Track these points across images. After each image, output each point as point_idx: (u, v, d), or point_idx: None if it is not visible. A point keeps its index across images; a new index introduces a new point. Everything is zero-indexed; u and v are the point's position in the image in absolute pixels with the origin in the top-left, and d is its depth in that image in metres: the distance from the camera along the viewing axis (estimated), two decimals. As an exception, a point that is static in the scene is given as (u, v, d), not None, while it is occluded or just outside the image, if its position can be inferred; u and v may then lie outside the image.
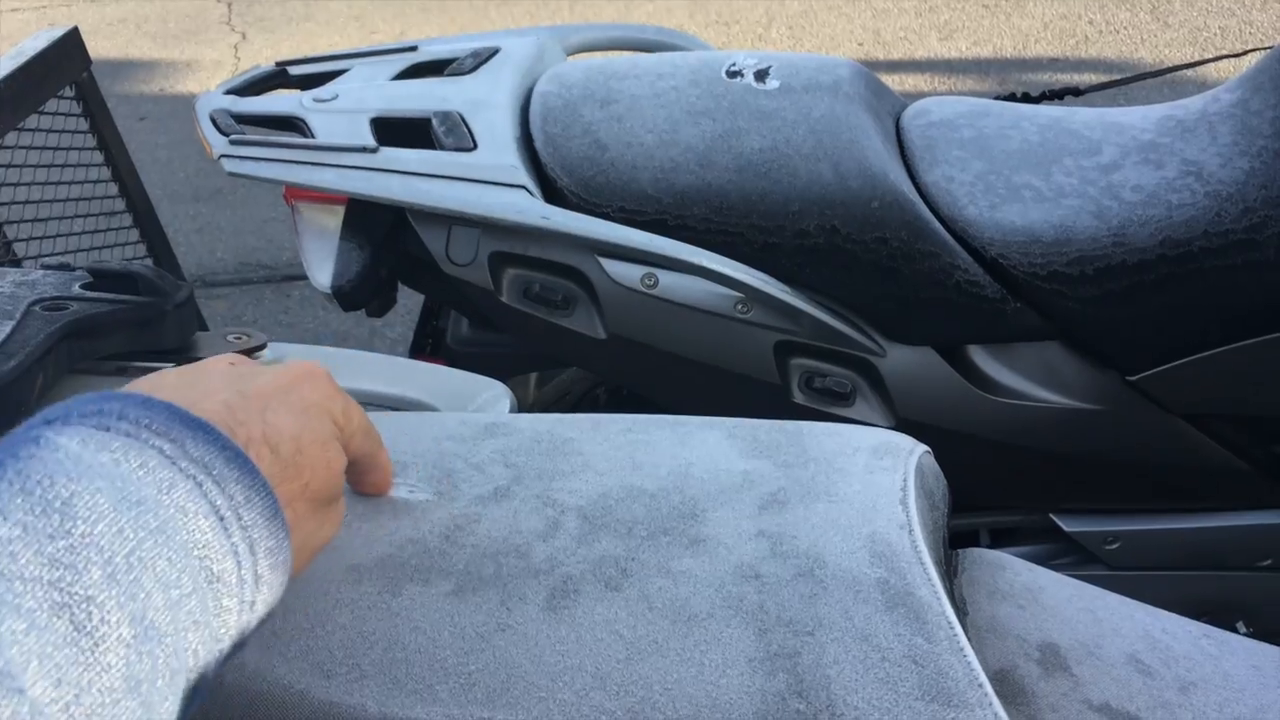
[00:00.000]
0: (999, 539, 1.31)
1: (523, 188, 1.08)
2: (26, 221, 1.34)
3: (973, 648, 0.59)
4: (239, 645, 0.40)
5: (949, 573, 0.65)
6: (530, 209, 1.07)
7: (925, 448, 0.64)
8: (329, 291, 1.11)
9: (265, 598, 0.40)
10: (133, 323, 0.64)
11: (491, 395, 0.73)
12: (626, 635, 0.47)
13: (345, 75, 1.22)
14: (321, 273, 1.13)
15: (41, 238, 1.37)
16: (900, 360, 1.12)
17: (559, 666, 0.46)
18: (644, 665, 0.45)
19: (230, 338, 0.69)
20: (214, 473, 0.38)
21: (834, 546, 0.52)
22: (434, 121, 1.12)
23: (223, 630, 0.38)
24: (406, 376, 0.73)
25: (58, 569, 0.31)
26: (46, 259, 0.70)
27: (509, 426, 0.63)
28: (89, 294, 0.65)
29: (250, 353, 0.68)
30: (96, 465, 0.35)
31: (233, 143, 1.11)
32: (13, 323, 0.59)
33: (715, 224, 1.08)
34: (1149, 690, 0.57)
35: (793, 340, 1.12)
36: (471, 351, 1.29)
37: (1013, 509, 1.26)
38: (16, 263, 1.28)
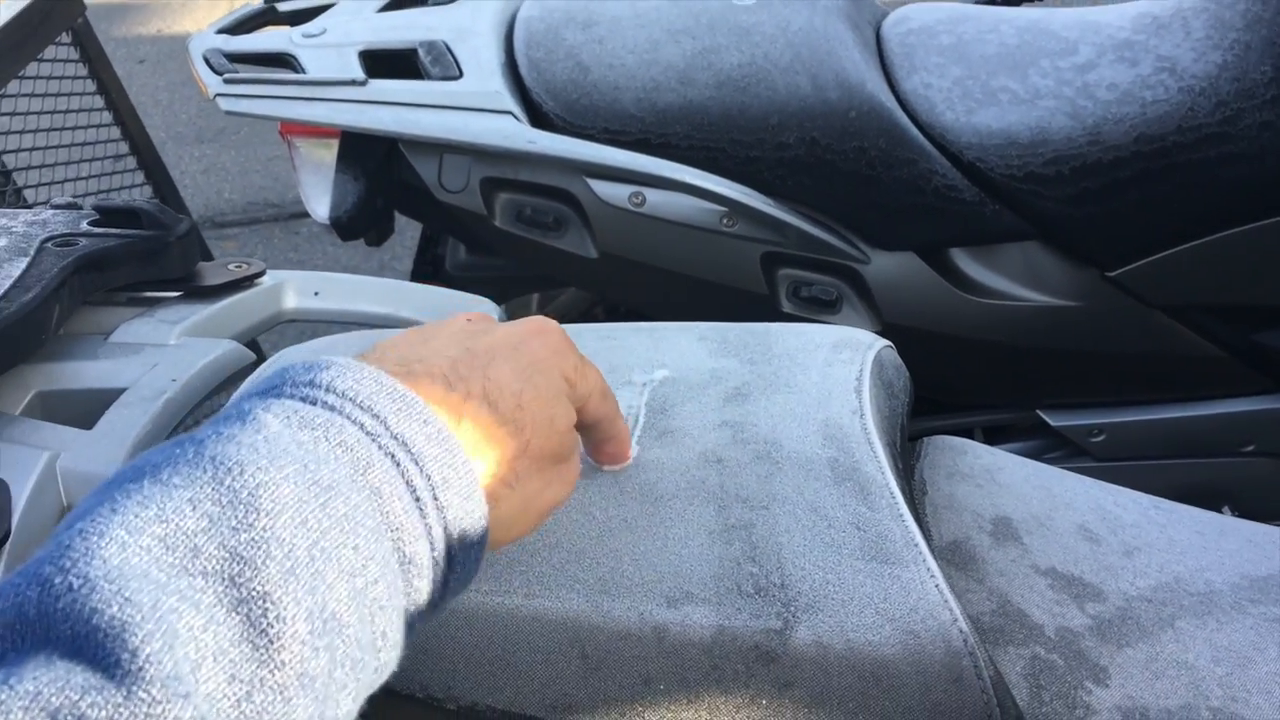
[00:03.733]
0: (991, 436, 1.35)
1: (509, 113, 1.11)
2: (35, 168, 1.38)
3: (930, 522, 0.63)
4: (434, 615, 0.40)
5: (913, 457, 0.70)
6: (517, 134, 1.10)
7: (886, 342, 0.68)
8: (327, 222, 1.15)
9: (459, 575, 0.39)
10: (139, 255, 0.68)
11: (480, 311, 0.78)
12: (599, 516, 0.52)
13: (332, 9, 1.24)
14: (319, 204, 1.17)
15: (50, 183, 1.41)
16: (884, 266, 1.15)
17: (538, 544, 0.50)
18: (615, 540, 0.50)
19: (231, 266, 0.73)
20: (414, 450, 0.37)
21: (790, 432, 0.56)
22: (420, 51, 1.15)
23: (413, 610, 0.37)
24: (399, 296, 0.78)
25: (238, 564, 0.31)
26: (56, 200, 0.74)
27: (494, 338, 0.67)
28: (96, 230, 0.69)
29: (250, 280, 0.73)
30: (293, 447, 0.35)
31: (227, 81, 1.14)
32: (27, 259, 0.64)
33: (698, 140, 1.11)
34: (1095, 555, 0.62)
35: (779, 251, 1.15)
36: (470, 276, 1.33)
37: (1001, 407, 1.30)
38: (27, 207, 1.32)
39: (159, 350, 0.66)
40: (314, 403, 0.37)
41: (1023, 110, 1.11)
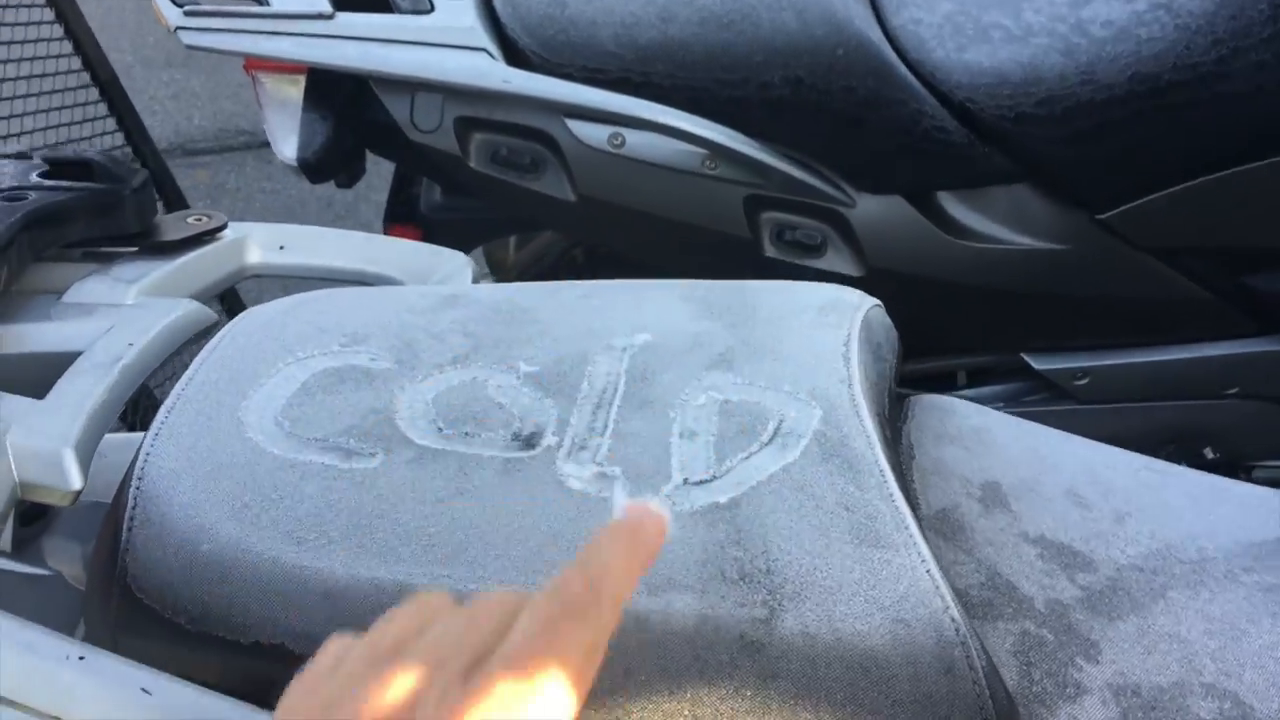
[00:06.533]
0: (974, 379, 1.34)
1: (483, 50, 1.06)
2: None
3: (918, 489, 0.62)
4: None
5: (899, 419, 0.68)
6: (492, 72, 1.05)
7: (875, 301, 0.66)
8: (294, 163, 1.11)
9: None
10: (92, 209, 0.65)
11: (454, 267, 0.75)
12: (577, 495, 0.50)
13: (297, -62, 1.18)
14: (286, 145, 1.13)
15: (8, 116, 1.35)
16: (870, 210, 1.13)
17: (513, 526, 0.48)
18: (592, 521, 0.48)
19: (190, 219, 0.70)
20: None
21: (775, 402, 0.54)
22: (390, -17, 1.10)
23: None
24: (369, 252, 0.75)
25: None
26: (3, 151, 0.71)
27: (468, 297, 0.65)
28: (47, 183, 0.65)
29: (211, 234, 0.70)
30: None
31: (188, 13, 1.09)
32: (-28, 215, 0.60)
33: (679, 80, 1.07)
34: (1085, 522, 0.61)
35: (762, 194, 1.12)
36: (445, 218, 1.29)
37: (985, 350, 1.29)
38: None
39: (115, 311, 0.63)
40: None
41: (1015, 48, 1.08)
